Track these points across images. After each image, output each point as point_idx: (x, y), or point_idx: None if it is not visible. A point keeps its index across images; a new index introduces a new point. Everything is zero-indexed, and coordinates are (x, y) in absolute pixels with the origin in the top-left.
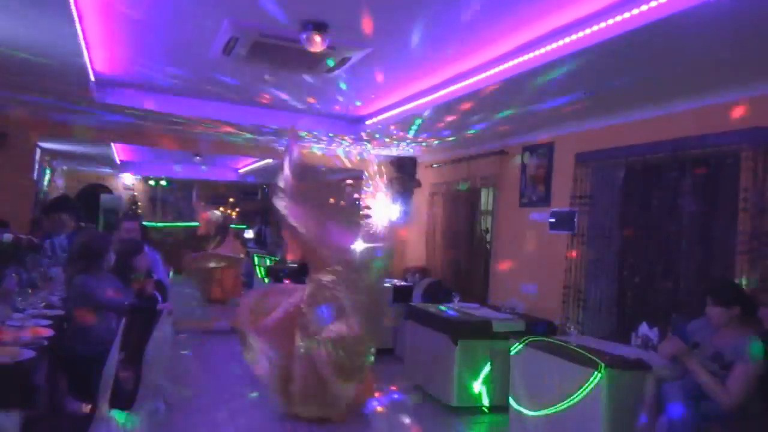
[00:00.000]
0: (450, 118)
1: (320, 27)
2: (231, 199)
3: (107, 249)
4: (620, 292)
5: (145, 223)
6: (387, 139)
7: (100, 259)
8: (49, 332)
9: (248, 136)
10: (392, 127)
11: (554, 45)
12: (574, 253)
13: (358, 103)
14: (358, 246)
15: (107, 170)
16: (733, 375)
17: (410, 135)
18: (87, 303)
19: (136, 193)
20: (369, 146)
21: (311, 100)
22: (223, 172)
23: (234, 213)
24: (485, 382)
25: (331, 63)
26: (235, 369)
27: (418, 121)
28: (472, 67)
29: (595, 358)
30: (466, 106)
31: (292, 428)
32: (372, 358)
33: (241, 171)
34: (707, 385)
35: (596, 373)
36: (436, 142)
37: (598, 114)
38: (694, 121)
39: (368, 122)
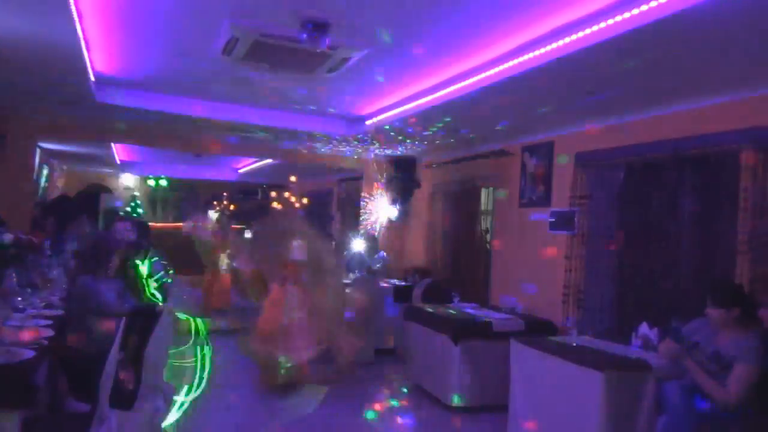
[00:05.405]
0: (450, 118)
1: (320, 27)
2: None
3: (114, 251)
4: (620, 292)
5: (145, 222)
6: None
7: (107, 261)
8: (49, 332)
9: (249, 136)
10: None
11: (555, 45)
12: (574, 253)
13: (358, 103)
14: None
15: (107, 170)
16: (732, 375)
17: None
18: (88, 304)
19: (136, 193)
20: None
21: (311, 100)
22: (223, 173)
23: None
24: (485, 382)
25: (331, 63)
26: (235, 368)
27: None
28: (472, 67)
29: (596, 359)
30: (467, 106)
31: (291, 427)
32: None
33: (240, 171)
34: (706, 386)
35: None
36: (437, 141)
37: (598, 114)
38: (694, 121)
39: (368, 122)
